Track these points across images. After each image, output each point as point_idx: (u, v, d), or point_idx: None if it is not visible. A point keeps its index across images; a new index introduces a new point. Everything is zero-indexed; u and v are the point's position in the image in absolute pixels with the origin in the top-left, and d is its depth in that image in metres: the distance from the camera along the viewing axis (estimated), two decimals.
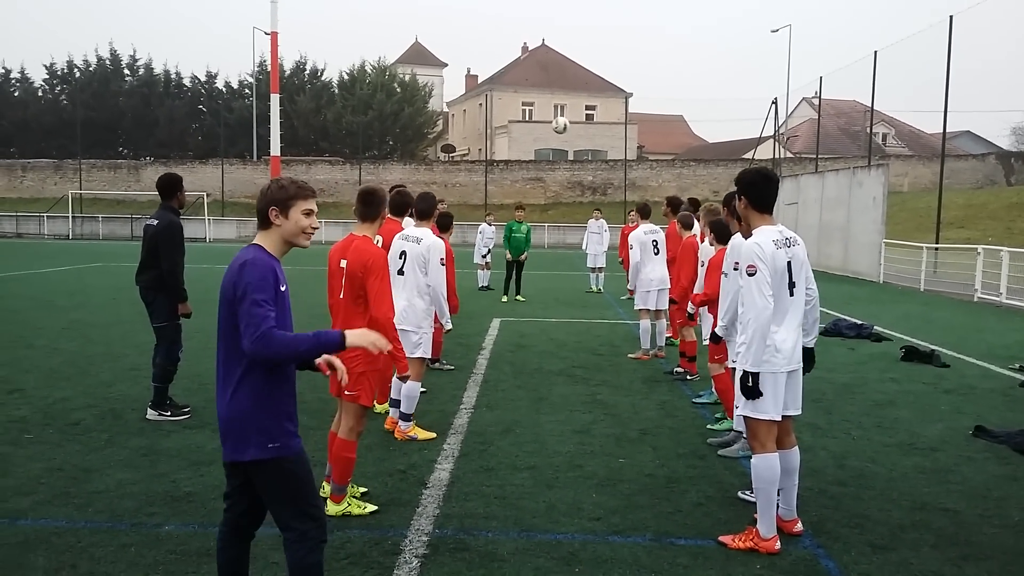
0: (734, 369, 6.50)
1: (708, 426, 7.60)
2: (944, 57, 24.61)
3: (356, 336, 3.44)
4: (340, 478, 5.19)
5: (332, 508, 5.19)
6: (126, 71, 66.62)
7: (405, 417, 6.93)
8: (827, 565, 4.66)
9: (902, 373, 10.22)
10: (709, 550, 4.83)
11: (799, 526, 5.08)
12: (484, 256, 19.65)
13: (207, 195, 47.36)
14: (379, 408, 7.63)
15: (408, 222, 7.67)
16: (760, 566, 4.62)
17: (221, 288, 3.45)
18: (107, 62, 65.79)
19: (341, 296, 5.31)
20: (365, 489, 5.58)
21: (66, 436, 6.83)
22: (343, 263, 5.30)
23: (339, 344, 3.38)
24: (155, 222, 7.56)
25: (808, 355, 5.06)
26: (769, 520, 4.82)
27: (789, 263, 4.88)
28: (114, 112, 62.44)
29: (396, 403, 7.06)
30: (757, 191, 5.03)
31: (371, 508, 5.28)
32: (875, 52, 29.06)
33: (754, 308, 4.73)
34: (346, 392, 5.16)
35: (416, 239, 7.06)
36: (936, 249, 23.71)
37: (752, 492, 5.60)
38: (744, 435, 6.65)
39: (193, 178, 52.03)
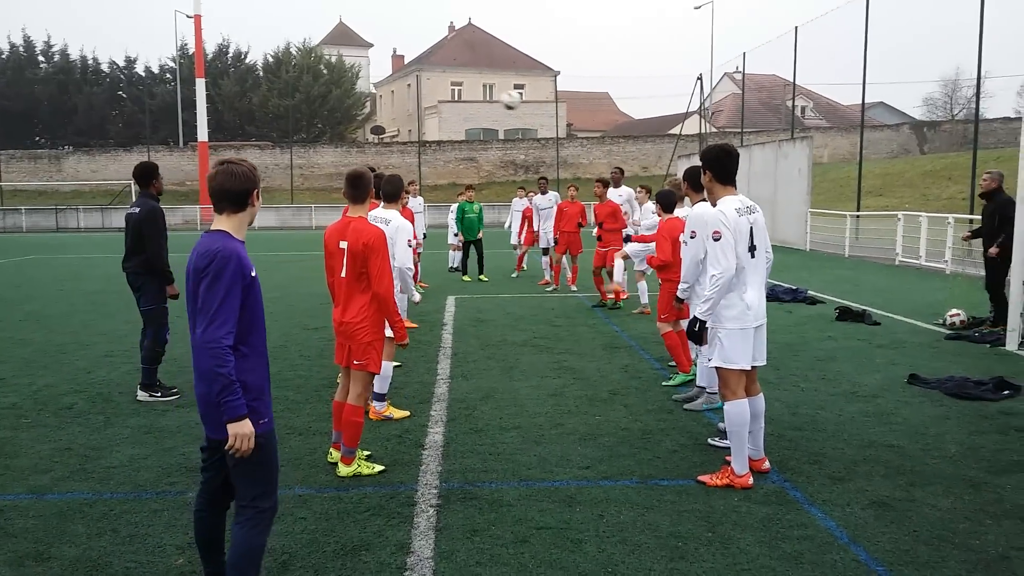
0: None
1: (663, 383, 8.21)
2: (862, 32, 25.72)
3: (234, 427, 3.40)
4: (350, 441, 5.60)
5: (343, 470, 5.60)
6: (40, 58, 64.45)
7: (379, 397, 7.10)
8: (795, 495, 5.27)
9: (838, 332, 11.01)
10: (691, 488, 5.40)
11: (767, 464, 5.69)
12: (457, 235, 19.12)
13: (133, 183, 46.32)
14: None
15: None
16: (737, 499, 5.20)
17: (191, 269, 3.52)
18: (20, 49, 63.54)
19: (343, 275, 5.66)
20: (369, 452, 6.00)
21: (63, 420, 7.06)
22: (342, 244, 5.65)
23: (228, 418, 3.39)
24: (137, 210, 7.76)
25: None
26: (742, 459, 5.41)
27: (751, 228, 5.47)
28: (30, 101, 60.43)
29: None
30: (720, 165, 5.58)
31: (379, 468, 5.71)
32: (796, 27, 30.16)
33: (718, 267, 5.31)
34: (355, 362, 5.56)
35: (384, 220, 7.40)
36: (858, 217, 24.91)
37: (720, 439, 6.24)
38: (707, 390, 7.30)
39: (118, 167, 51.02)
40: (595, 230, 13.55)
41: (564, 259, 15.86)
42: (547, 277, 16.45)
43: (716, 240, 5.34)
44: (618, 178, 14.26)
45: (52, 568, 4.28)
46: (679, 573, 4.21)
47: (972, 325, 11.08)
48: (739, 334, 5.35)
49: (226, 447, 3.42)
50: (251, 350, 3.56)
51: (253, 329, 3.57)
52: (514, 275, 18.29)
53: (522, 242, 18.40)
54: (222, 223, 3.61)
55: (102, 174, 51.18)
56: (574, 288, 15.55)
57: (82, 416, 7.16)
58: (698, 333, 5.47)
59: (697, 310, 5.46)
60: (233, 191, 3.57)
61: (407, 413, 7.16)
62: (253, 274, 3.55)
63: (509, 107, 13.95)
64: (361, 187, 5.85)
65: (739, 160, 5.69)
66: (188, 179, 50.19)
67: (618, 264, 12.99)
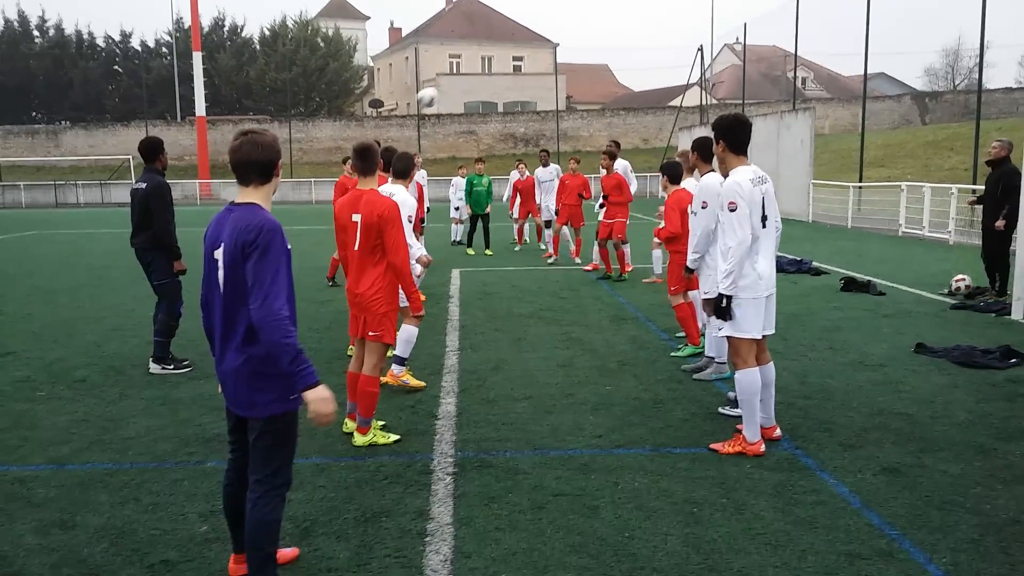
0: (708, 299, 7.16)
1: (671, 354, 8.27)
2: (863, 2, 25.55)
3: (312, 392, 3.34)
4: (366, 411, 5.65)
5: (359, 440, 5.66)
6: (35, 32, 64.01)
7: (400, 360, 7.25)
8: (807, 462, 5.33)
9: (844, 302, 11.06)
10: (703, 456, 5.46)
11: (778, 431, 5.75)
12: (457, 209, 19.42)
13: (132, 158, 46.19)
14: (351, 352, 8.10)
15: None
16: (750, 466, 5.27)
17: (229, 244, 3.44)
18: (15, 24, 63.07)
19: (356, 248, 5.67)
20: (383, 422, 6.05)
21: (77, 392, 7.11)
22: (355, 217, 5.66)
23: (304, 386, 3.34)
24: (143, 185, 7.76)
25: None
26: (754, 427, 5.46)
27: (763, 199, 5.48)
28: (25, 76, 60.12)
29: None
30: (733, 135, 5.58)
31: (394, 437, 5.77)
32: None
33: (735, 239, 5.31)
34: (370, 333, 5.60)
35: (389, 195, 7.40)
36: (860, 188, 24.89)
37: (731, 408, 6.31)
38: (716, 359, 7.35)
39: (116, 141, 50.87)
40: (599, 202, 13.56)
41: (567, 231, 15.87)
42: (549, 250, 16.48)
43: (732, 211, 5.34)
44: (614, 151, 14.22)
45: (78, 536, 4.34)
46: (695, 537, 4.27)
47: (975, 293, 11.12)
48: (751, 303, 5.38)
49: (308, 416, 3.39)
50: (292, 323, 3.50)
51: (293, 302, 3.55)
52: (516, 248, 18.27)
53: (516, 215, 18.17)
54: (249, 195, 3.55)
55: (100, 149, 51.01)
56: (578, 260, 15.57)
57: (96, 388, 7.21)
58: (725, 308, 5.41)
59: (720, 285, 5.41)
60: (260, 161, 3.52)
61: (423, 384, 7.18)
62: (289, 246, 3.54)
63: (424, 103, 13.75)
64: (370, 159, 5.85)
65: (751, 129, 5.69)
66: (186, 153, 50.00)
67: (656, 253, 13.22)
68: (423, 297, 6.93)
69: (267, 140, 3.55)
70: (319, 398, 3.35)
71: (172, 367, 7.76)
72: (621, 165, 14.10)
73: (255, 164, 3.52)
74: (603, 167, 13.29)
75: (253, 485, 3.56)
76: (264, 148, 3.52)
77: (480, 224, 17.51)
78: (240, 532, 3.82)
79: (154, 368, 7.76)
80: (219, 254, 3.49)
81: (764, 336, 5.60)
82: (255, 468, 3.56)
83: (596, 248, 14.27)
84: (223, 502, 3.83)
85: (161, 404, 6.72)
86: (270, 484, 3.54)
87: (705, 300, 7.28)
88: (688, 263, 7.12)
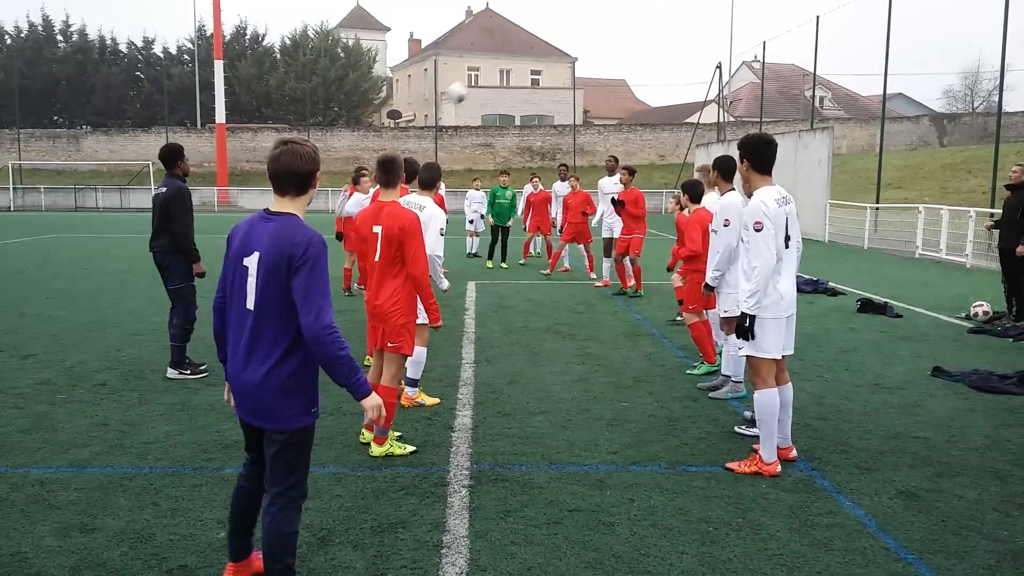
0: (727, 317, 7.16)
1: (687, 371, 8.27)
2: (882, 22, 25.55)
3: (369, 400, 3.51)
4: (384, 422, 5.68)
5: (376, 450, 5.69)
6: (59, 37, 64.63)
7: (412, 383, 7.09)
8: (823, 483, 5.33)
9: (860, 323, 11.04)
10: (719, 475, 5.46)
11: (794, 452, 5.75)
12: (472, 222, 19.42)
13: (152, 164, 46.58)
14: (368, 361, 8.14)
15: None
16: (766, 486, 5.27)
17: (260, 256, 3.42)
18: (39, 28, 63.73)
19: (376, 260, 5.72)
20: (399, 433, 6.08)
21: (98, 395, 7.18)
22: (376, 228, 5.72)
23: (361, 396, 3.48)
24: (164, 189, 7.85)
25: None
26: (770, 447, 5.46)
27: (787, 219, 5.50)
28: (48, 80, 60.67)
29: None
30: (758, 155, 5.60)
31: (411, 448, 5.79)
32: (817, 17, 29.96)
33: (760, 259, 5.32)
34: (388, 344, 5.64)
35: (419, 207, 7.45)
36: (877, 209, 24.82)
37: (747, 427, 6.31)
38: (732, 378, 7.35)
39: (136, 147, 51.30)
40: (600, 215, 13.79)
41: (583, 249, 15.88)
42: (567, 264, 16.53)
43: (758, 231, 5.34)
44: (612, 166, 14.32)
45: (98, 539, 4.39)
46: (711, 557, 4.28)
47: (994, 318, 11.07)
48: (772, 324, 5.39)
49: (369, 420, 3.54)
50: None
51: None
52: (521, 262, 18.04)
53: (527, 228, 17.84)
54: (285, 205, 3.52)
55: (120, 154, 51.46)
56: (593, 276, 15.59)
57: (116, 393, 7.28)
58: (748, 328, 5.39)
59: (743, 305, 5.40)
60: (300, 172, 3.49)
61: (437, 400, 7.14)
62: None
63: (454, 99, 13.76)
64: (393, 171, 5.91)
65: (777, 149, 5.71)
66: (206, 160, 50.33)
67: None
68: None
69: (307, 151, 3.51)
70: (374, 405, 3.55)
71: (189, 372, 7.83)
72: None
73: (294, 175, 3.49)
74: (622, 183, 13.27)
75: (272, 498, 3.53)
76: (303, 159, 3.49)
77: (500, 237, 17.34)
78: (242, 541, 3.82)
79: (171, 373, 7.82)
80: (250, 262, 3.46)
81: (783, 356, 5.62)
82: (275, 481, 3.53)
83: (606, 264, 14.31)
84: (233, 507, 3.81)
85: (180, 410, 6.77)
86: (289, 497, 3.53)
87: (723, 319, 7.30)
88: (707, 280, 7.13)
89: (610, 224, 14.11)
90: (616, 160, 14.68)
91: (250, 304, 3.47)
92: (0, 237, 25.03)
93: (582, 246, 15.66)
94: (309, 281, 3.35)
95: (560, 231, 15.41)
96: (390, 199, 5.84)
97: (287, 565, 3.55)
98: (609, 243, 14.18)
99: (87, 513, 4.72)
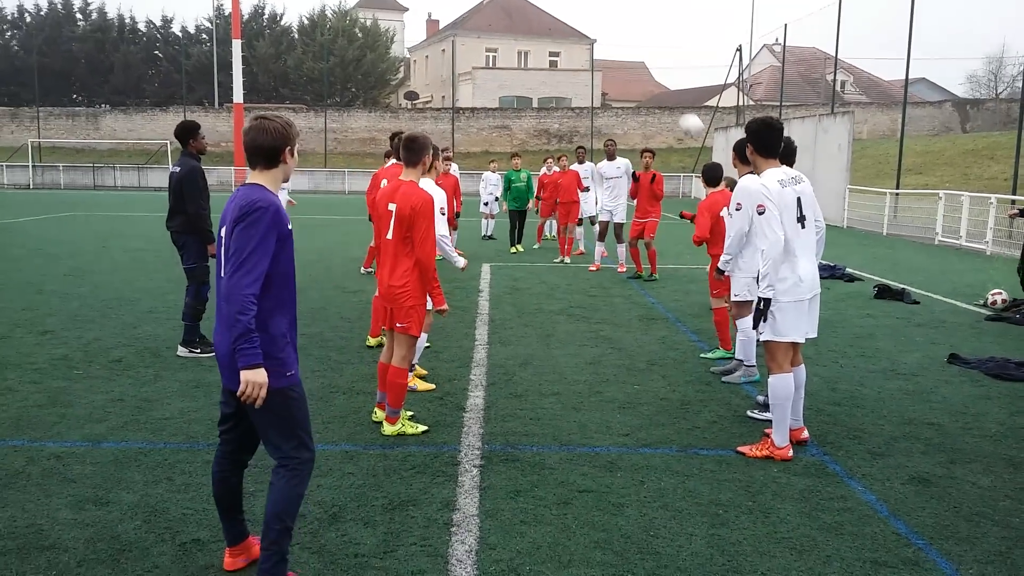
0: (739, 302, 7.14)
1: (701, 355, 8.26)
2: (906, 5, 25.22)
3: (248, 373, 3.36)
4: (395, 402, 5.70)
5: (388, 429, 5.72)
6: (78, 15, 64.94)
7: None
8: (834, 468, 5.31)
9: (877, 309, 10.97)
10: (730, 458, 5.46)
11: (806, 433, 5.73)
12: (487, 204, 19.43)
13: (170, 143, 46.76)
14: (371, 342, 8.19)
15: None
16: (777, 470, 5.26)
17: (225, 219, 3.53)
18: (59, 6, 64.06)
19: (389, 237, 5.73)
20: (412, 412, 6.10)
21: (113, 372, 7.25)
22: (391, 207, 5.71)
23: (243, 364, 3.35)
24: (178, 169, 7.88)
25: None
26: (783, 431, 5.45)
27: (799, 199, 5.46)
28: (67, 58, 61.04)
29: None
30: (760, 138, 5.60)
31: (423, 428, 5.82)
32: (840, 0, 29.60)
33: (766, 241, 5.31)
34: (398, 325, 5.65)
35: None
36: (897, 195, 24.60)
37: (759, 411, 6.29)
38: (745, 363, 7.33)
39: (154, 126, 51.56)
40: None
41: (577, 231, 15.84)
42: (581, 248, 16.51)
43: (761, 214, 5.35)
44: (612, 150, 14.18)
45: (112, 512, 4.44)
46: (720, 539, 4.28)
47: (1012, 306, 10.98)
48: (792, 307, 5.37)
49: (238, 393, 3.38)
50: (279, 303, 3.54)
51: (286, 283, 3.56)
52: (535, 246, 18.02)
53: (539, 212, 17.83)
54: (255, 177, 3.60)
55: (138, 133, 51.72)
56: (567, 260, 15.48)
57: (131, 369, 7.34)
58: (762, 311, 5.37)
59: (759, 290, 5.39)
60: (264, 147, 3.54)
61: (432, 386, 6.98)
62: (290, 227, 3.54)
63: (693, 132, 13.86)
64: (415, 150, 5.86)
65: (782, 133, 5.68)
66: (223, 140, 50.50)
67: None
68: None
69: (274, 126, 3.55)
70: (252, 380, 3.36)
71: (199, 350, 7.87)
72: (624, 164, 13.95)
73: (260, 148, 3.55)
74: (644, 165, 13.10)
75: (278, 465, 3.57)
76: (269, 133, 3.53)
77: (519, 220, 17.26)
78: (234, 525, 3.82)
79: (181, 351, 7.87)
80: (224, 232, 3.55)
81: (806, 339, 5.60)
82: (275, 445, 3.56)
83: (599, 248, 14.27)
84: (215, 490, 3.79)
85: (195, 387, 6.82)
86: (295, 459, 3.56)
87: (735, 302, 7.29)
88: (719, 264, 7.10)
89: (610, 209, 14.01)
90: (615, 143, 14.58)
91: (222, 272, 3.53)
92: (19, 214, 25.25)
93: (572, 225, 15.61)
94: (241, 238, 3.39)
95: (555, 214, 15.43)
96: (409, 178, 5.81)
97: (285, 527, 3.55)
98: (606, 227, 14.13)
99: (102, 487, 4.77)
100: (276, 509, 3.55)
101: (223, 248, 3.55)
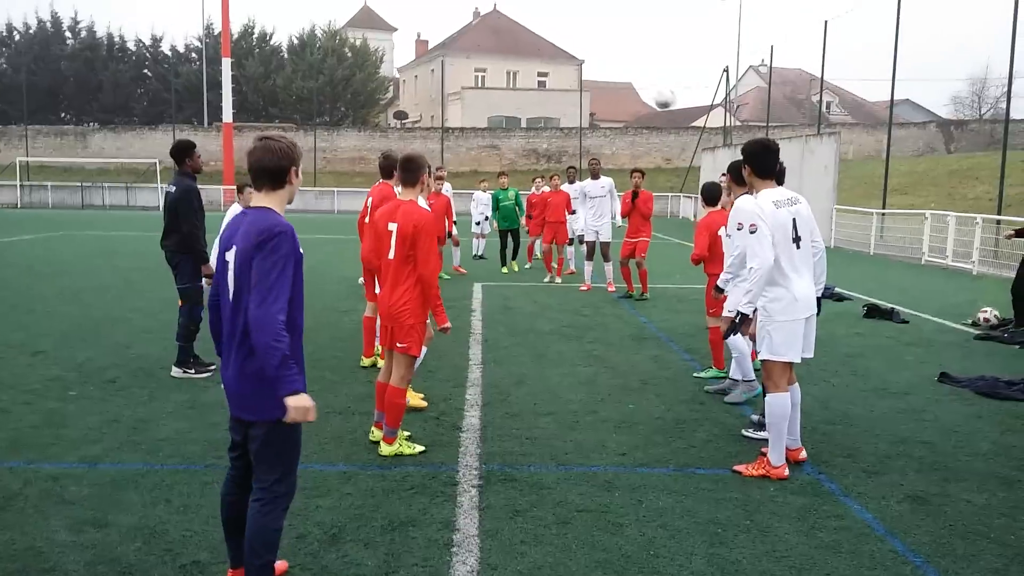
0: (725, 316, 7.20)
1: (694, 374, 8.30)
2: (890, 27, 25.53)
3: (293, 399, 3.35)
4: (393, 422, 5.72)
5: (385, 449, 5.73)
6: (67, 34, 64.82)
7: None
8: (830, 487, 5.35)
9: (866, 329, 11.05)
10: (727, 477, 5.49)
11: (803, 454, 5.78)
12: (478, 224, 19.40)
13: (159, 162, 46.69)
14: (365, 362, 8.20)
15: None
16: (773, 489, 5.29)
17: (241, 246, 3.46)
18: (48, 24, 63.95)
19: (391, 257, 5.75)
20: (409, 433, 6.11)
21: (107, 392, 7.23)
22: (391, 226, 5.74)
23: (285, 392, 3.33)
24: (173, 188, 7.90)
25: (816, 303, 5.76)
26: (780, 451, 5.49)
27: (794, 220, 5.54)
28: (56, 77, 60.85)
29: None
30: (757, 159, 5.69)
31: (420, 448, 5.83)
32: (825, 22, 30.01)
33: (756, 259, 5.39)
34: (398, 344, 5.67)
35: None
36: (883, 215, 24.81)
37: (754, 431, 6.34)
38: (743, 379, 7.38)
39: (143, 144, 51.38)
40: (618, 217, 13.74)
41: (568, 250, 15.89)
42: (572, 267, 16.56)
43: (752, 233, 5.43)
44: (596, 169, 14.28)
45: (111, 535, 4.43)
46: (719, 558, 4.31)
47: (999, 325, 11.08)
48: (789, 326, 5.45)
49: (286, 420, 3.37)
50: (292, 328, 3.50)
51: (299, 307, 3.57)
52: (527, 265, 17.96)
53: (529, 232, 17.60)
54: (262, 200, 3.56)
55: (127, 152, 51.56)
56: (553, 278, 15.51)
57: (126, 390, 7.32)
58: (736, 326, 5.55)
59: (739, 303, 5.53)
60: (270, 167, 3.52)
61: (424, 404, 6.94)
62: (301, 251, 3.54)
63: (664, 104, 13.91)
64: (412, 170, 5.90)
65: (778, 155, 5.77)
66: (212, 159, 50.24)
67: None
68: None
69: (280, 146, 3.53)
70: (298, 405, 3.35)
71: (193, 371, 7.85)
72: (608, 184, 14.00)
73: (266, 170, 3.53)
74: (634, 185, 13.13)
75: (256, 493, 3.56)
76: (275, 154, 3.51)
77: (510, 240, 17.23)
78: (239, 545, 3.79)
79: (175, 372, 7.85)
80: (230, 256, 3.52)
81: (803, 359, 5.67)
82: (259, 476, 3.56)
83: (588, 268, 14.32)
84: (222, 513, 3.81)
85: (190, 407, 6.81)
86: (275, 492, 3.55)
87: (722, 317, 7.34)
88: (718, 282, 7.16)
89: (595, 228, 14.05)
90: (599, 162, 14.72)
91: (230, 297, 3.52)
92: (8, 234, 25.13)
93: (559, 246, 15.66)
94: (264, 267, 3.36)
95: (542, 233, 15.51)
96: (408, 198, 5.85)
97: (267, 562, 3.55)
98: (592, 247, 14.19)
99: (100, 509, 4.76)
100: (253, 544, 3.54)
101: (230, 272, 3.52)
